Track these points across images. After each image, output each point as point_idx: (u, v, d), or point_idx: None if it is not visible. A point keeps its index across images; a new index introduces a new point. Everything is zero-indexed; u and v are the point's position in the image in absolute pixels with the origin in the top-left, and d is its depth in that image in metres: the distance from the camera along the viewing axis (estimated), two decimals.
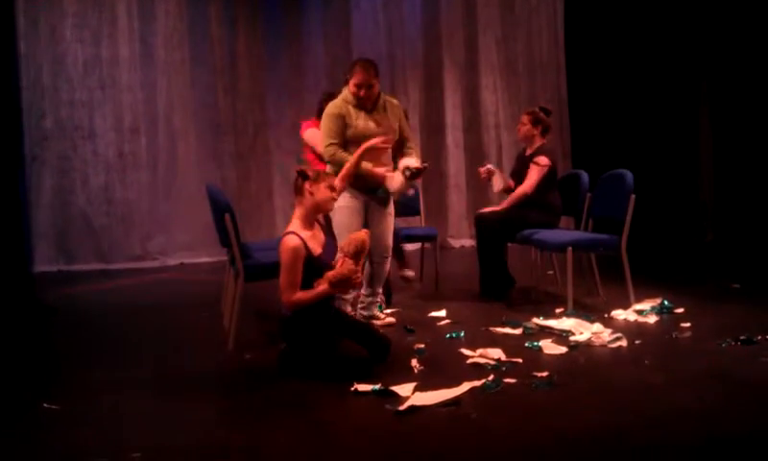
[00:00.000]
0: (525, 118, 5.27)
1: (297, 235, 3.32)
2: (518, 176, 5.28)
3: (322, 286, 3.28)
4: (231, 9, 8.30)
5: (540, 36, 9.08)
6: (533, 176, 5.06)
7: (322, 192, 3.42)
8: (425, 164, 4.30)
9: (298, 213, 3.44)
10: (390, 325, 4.35)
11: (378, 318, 4.40)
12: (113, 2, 7.92)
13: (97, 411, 3.01)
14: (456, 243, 8.79)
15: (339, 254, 3.45)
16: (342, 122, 4.16)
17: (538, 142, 5.21)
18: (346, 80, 4.29)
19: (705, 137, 8.35)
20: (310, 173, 3.45)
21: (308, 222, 3.45)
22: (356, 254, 3.34)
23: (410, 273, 5.43)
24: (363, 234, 3.43)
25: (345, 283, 3.30)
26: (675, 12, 8.26)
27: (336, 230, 4.14)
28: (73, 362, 3.87)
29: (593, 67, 8.67)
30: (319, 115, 4.75)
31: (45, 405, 3.02)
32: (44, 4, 7.73)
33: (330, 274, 3.27)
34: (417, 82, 8.81)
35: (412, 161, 4.20)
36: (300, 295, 3.29)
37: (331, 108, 4.21)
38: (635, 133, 8.44)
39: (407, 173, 4.11)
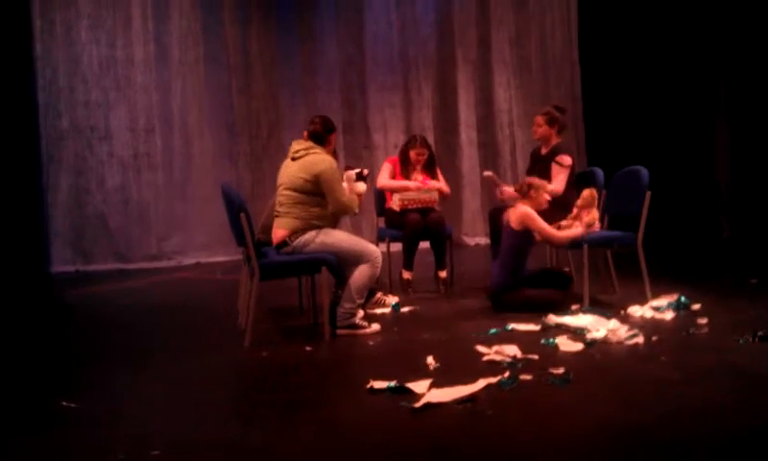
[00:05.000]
0: (540, 119, 5.22)
1: None
2: (534, 175, 5.24)
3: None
4: (245, 9, 8.33)
5: (553, 33, 9.01)
6: (561, 176, 5.02)
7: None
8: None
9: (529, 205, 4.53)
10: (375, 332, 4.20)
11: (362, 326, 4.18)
12: (128, 3, 7.96)
13: (116, 409, 3.04)
14: (471, 241, 8.77)
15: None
16: None
17: (554, 141, 5.18)
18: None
19: (721, 132, 8.28)
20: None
21: None
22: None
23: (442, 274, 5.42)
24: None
25: None
26: (690, 5, 8.19)
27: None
28: (91, 361, 3.91)
29: (607, 63, 8.60)
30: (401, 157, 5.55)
31: (64, 403, 3.05)
32: (60, 5, 7.78)
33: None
34: (430, 80, 8.80)
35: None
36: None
37: None
38: (650, 129, 8.37)
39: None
